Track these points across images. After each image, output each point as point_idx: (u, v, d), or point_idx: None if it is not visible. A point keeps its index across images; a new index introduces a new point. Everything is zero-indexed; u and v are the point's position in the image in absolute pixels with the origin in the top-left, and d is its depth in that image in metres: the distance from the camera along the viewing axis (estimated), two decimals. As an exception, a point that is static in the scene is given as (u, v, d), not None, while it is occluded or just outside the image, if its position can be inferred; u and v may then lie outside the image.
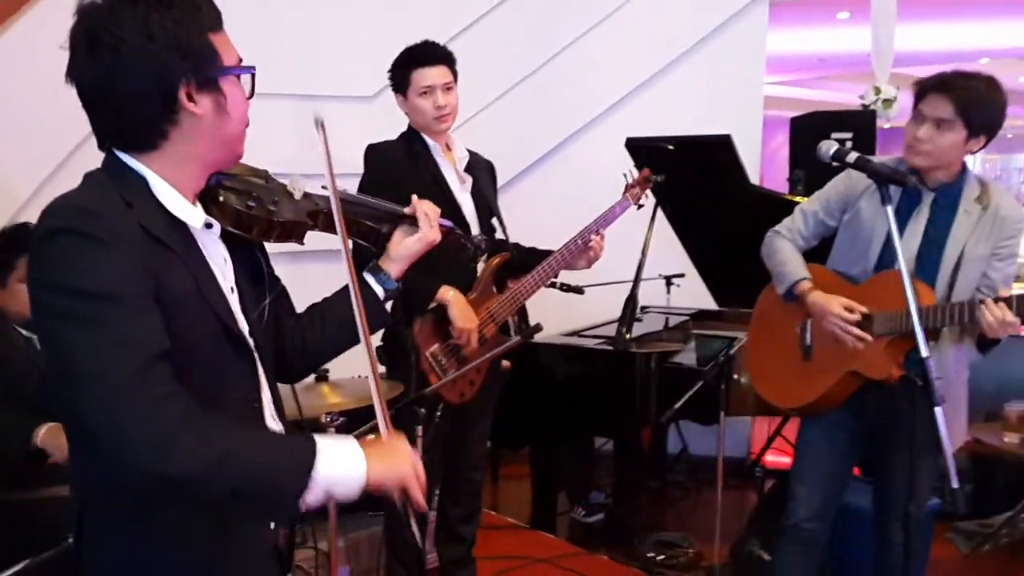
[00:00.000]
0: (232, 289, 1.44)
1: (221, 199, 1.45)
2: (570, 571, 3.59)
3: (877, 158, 2.57)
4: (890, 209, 2.27)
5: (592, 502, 4.33)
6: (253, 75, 1.41)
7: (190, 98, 1.32)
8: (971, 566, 3.78)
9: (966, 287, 2.52)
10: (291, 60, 4.00)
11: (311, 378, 2.66)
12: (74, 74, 1.32)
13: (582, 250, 2.93)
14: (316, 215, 1.57)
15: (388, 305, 1.78)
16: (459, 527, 3.11)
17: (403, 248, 1.72)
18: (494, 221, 3.04)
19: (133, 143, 1.35)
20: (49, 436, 2.42)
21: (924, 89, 2.56)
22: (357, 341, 1.71)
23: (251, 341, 1.45)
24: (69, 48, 1.32)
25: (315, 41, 4.19)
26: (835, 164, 2.48)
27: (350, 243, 1.57)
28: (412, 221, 1.73)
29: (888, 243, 2.51)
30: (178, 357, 1.26)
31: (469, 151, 3.01)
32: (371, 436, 1.45)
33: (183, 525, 1.34)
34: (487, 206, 2.98)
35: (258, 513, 1.39)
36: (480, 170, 3.01)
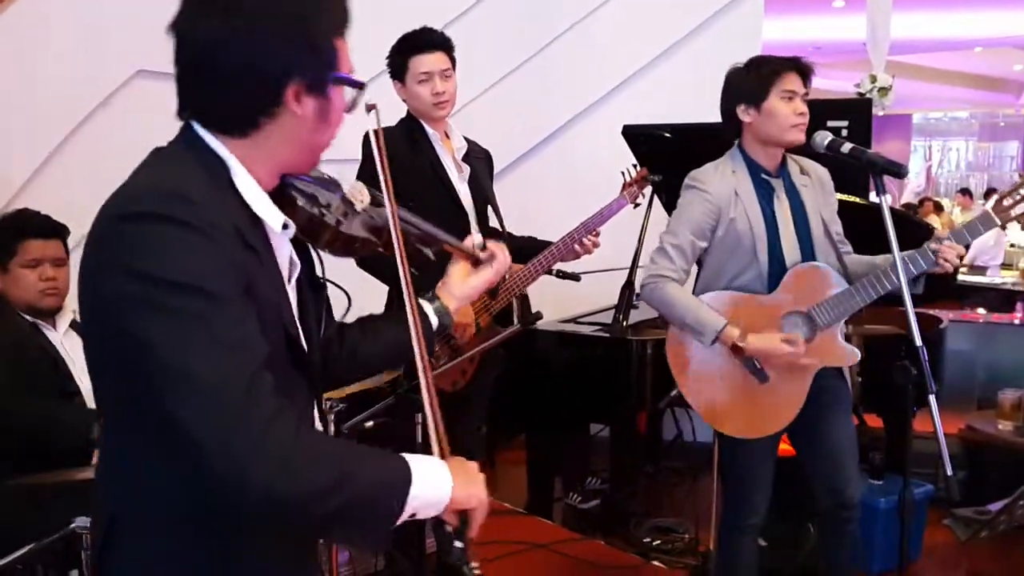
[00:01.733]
0: (295, 300, 1.33)
1: (299, 202, 1.31)
2: (566, 556, 3.61)
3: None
4: (885, 200, 2.32)
5: (588, 488, 4.35)
6: (361, 89, 1.29)
7: (297, 96, 1.21)
8: (964, 551, 3.81)
9: (834, 251, 2.67)
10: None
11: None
12: (181, 28, 1.19)
13: (576, 246, 2.92)
14: (378, 232, 1.44)
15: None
16: (456, 512, 3.13)
17: (468, 287, 1.64)
18: (490, 211, 3.04)
19: (220, 124, 1.21)
20: None
21: (783, 68, 2.56)
22: (403, 364, 1.67)
23: (305, 349, 1.34)
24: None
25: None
26: (829, 154, 2.52)
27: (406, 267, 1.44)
28: (477, 261, 1.64)
29: (773, 243, 2.59)
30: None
31: (467, 140, 3.00)
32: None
33: (228, 542, 1.22)
34: (484, 196, 2.98)
35: (355, 536, 1.25)
36: (477, 159, 3.02)
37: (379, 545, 1.27)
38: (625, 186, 3.17)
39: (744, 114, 2.59)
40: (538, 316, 2.48)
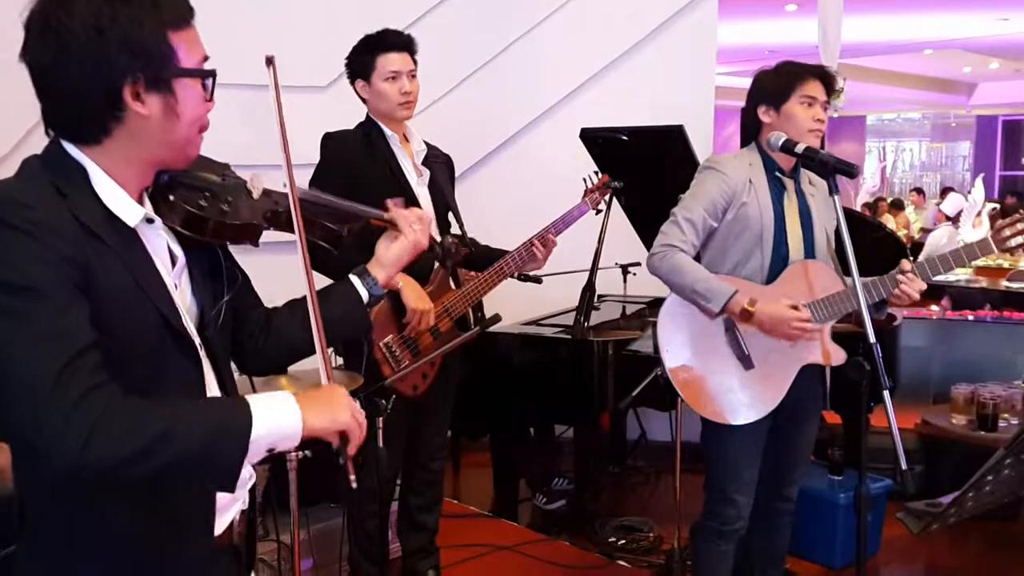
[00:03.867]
0: (175, 285, 1.40)
1: (171, 198, 1.39)
2: (532, 558, 3.62)
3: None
4: (837, 199, 2.39)
5: (554, 489, 4.36)
6: (213, 78, 1.35)
7: (137, 97, 1.28)
8: (923, 544, 3.88)
9: (832, 262, 2.73)
10: (243, 49, 3.95)
11: (271, 370, 2.65)
12: (25, 56, 1.29)
13: (534, 253, 2.93)
14: (274, 216, 1.51)
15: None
16: (421, 516, 3.13)
17: (391, 254, 1.69)
18: (451, 216, 3.04)
19: (76, 135, 1.31)
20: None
21: (806, 74, 2.66)
22: (340, 339, 1.70)
23: (196, 339, 1.41)
24: (24, 28, 1.28)
25: (267, 30, 4.15)
26: (783, 153, 2.60)
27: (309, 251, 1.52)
28: (397, 226, 1.69)
29: (779, 235, 2.65)
30: (114, 351, 1.24)
31: (427, 144, 3.01)
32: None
33: (123, 526, 1.32)
34: (444, 200, 2.98)
35: (202, 482, 1.36)
36: (437, 164, 3.01)
37: (230, 484, 1.29)
38: (586, 192, 3.20)
39: (764, 115, 2.67)
40: (496, 318, 2.49)
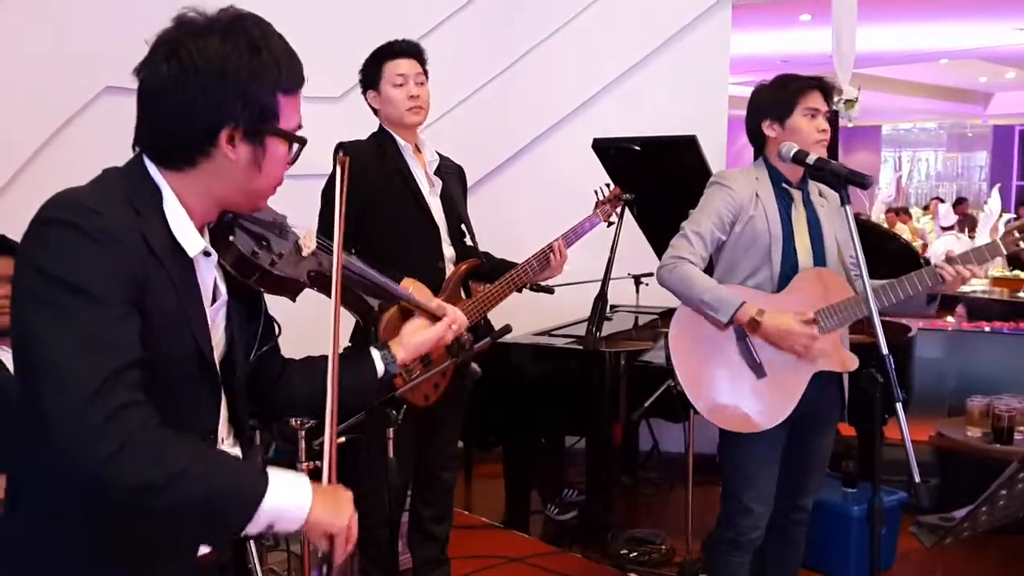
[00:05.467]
0: (212, 320, 1.43)
1: (231, 239, 1.45)
2: (543, 570, 3.60)
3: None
4: (849, 209, 2.39)
5: (565, 500, 4.35)
6: (302, 146, 1.41)
7: (231, 141, 1.34)
8: (938, 557, 3.84)
9: (844, 272, 2.75)
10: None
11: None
12: (142, 72, 1.34)
13: (545, 264, 2.94)
14: (316, 278, 1.57)
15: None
16: (432, 527, 3.12)
17: (417, 339, 1.74)
18: (463, 227, 3.04)
19: (162, 157, 1.36)
20: None
21: (807, 86, 2.68)
22: (348, 407, 1.75)
23: (219, 375, 1.45)
24: (150, 46, 1.34)
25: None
26: (794, 164, 2.63)
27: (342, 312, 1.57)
28: (433, 317, 1.76)
29: (788, 246, 2.67)
30: (154, 374, 1.27)
31: (439, 155, 3.01)
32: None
33: (108, 538, 1.32)
34: (456, 211, 2.98)
35: (196, 534, 1.37)
36: (449, 174, 3.02)
37: (220, 543, 1.35)
38: (598, 204, 3.20)
39: (769, 129, 2.70)
40: (507, 329, 2.49)
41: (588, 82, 5.01)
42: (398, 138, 2.91)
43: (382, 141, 2.92)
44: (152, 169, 1.37)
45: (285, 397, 1.65)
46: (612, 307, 4.37)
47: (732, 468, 2.76)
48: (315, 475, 2.49)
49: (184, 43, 1.31)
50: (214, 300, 1.45)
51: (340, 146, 2.91)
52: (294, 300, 1.56)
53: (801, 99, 2.65)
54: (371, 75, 2.91)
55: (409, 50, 2.91)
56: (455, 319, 1.78)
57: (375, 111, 2.94)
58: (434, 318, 1.77)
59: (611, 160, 4.01)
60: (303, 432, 2.40)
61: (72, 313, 1.20)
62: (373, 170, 2.84)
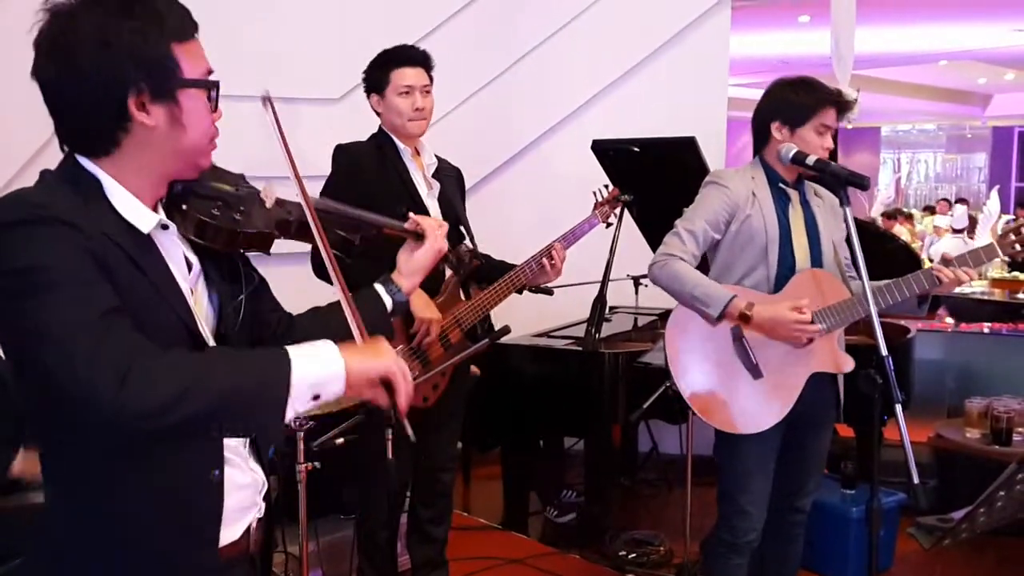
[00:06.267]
0: (191, 291, 1.43)
1: (184, 207, 1.43)
2: (543, 571, 3.60)
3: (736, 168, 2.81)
4: (848, 211, 2.39)
5: (564, 502, 4.35)
6: (216, 89, 1.39)
7: (142, 108, 1.31)
8: (936, 559, 3.84)
9: (839, 274, 2.73)
10: (257, 61, 3.98)
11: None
12: (35, 74, 1.32)
13: (544, 266, 2.93)
14: (285, 225, 1.54)
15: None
16: (430, 528, 3.12)
17: (414, 262, 1.72)
18: (461, 229, 3.04)
19: (87, 148, 1.35)
20: (25, 464, 2.38)
21: (825, 102, 2.67)
22: None
23: (212, 343, 1.43)
24: (33, 47, 1.31)
25: (281, 42, 4.18)
26: (793, 165, 2.63)
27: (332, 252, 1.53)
28: (416, 236, 1.72)
29: (785, 246, 2.66)
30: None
31: (437, 158, 3.01)
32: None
33: (135, 527, 1.34)
34: (454, 213, 2.98)
35: (248, 429, 1.38)
36: (447, 177, 3.02)
37: (273, 435, 1.36)
38: (597, 206, 3.20)
39: (777, 131, 2.68)
40: (505, 330, 2.49)
41: (587, 84, 5.01)
42: (397, 141, 2.91)
43: (381, 143, 2.92)
44: (85, 162, 1.35)
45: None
46: (611, 308, 4.36)
47: (728, 470, 2.76)
48: (313, 475, 2.48)
49: (59, 29, 1.29)
50: (189, 273, 1.44)
51: (339, 147, 2.92)
52: (268, 253, 1.53)
53: (818, 114, 2.64)
54: (376, 80, 2.90)
55: (417, 59, 2.90)
56: (436, 225, 1.74)
57: (378, 113, 2.94)
58: (418, 237, 1.73)
59: (610, 161, 4.02)
60: (301, 433, 2.40)
61: (44, 289, 1.19)
62: (371, 171, 2.84)
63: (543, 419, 3.95)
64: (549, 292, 3.22)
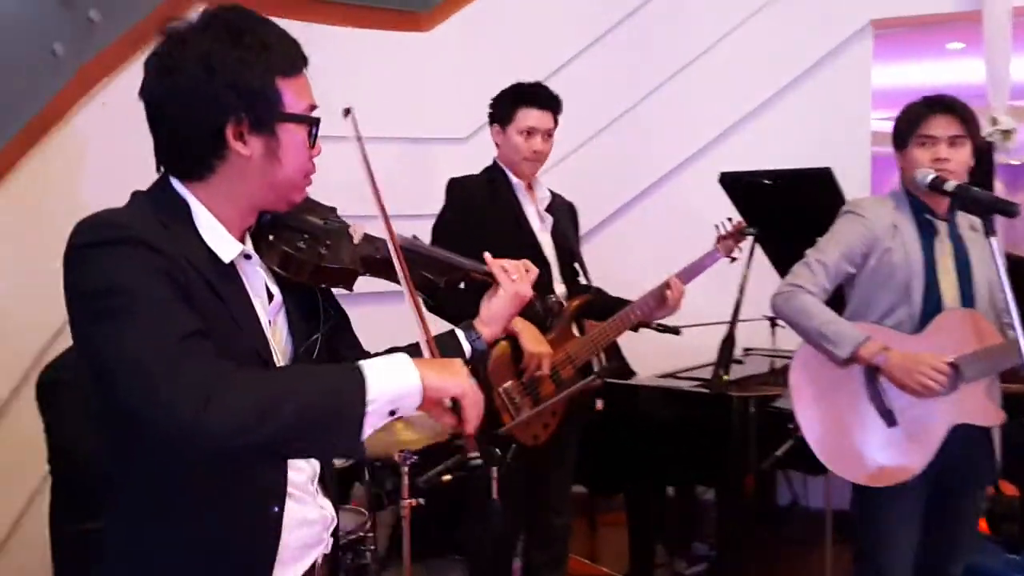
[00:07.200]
0: (271, 323, 1.41)
1: (271, 238, 1.43)
2: (667, 626, 3.42)
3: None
4: (994, 241, 2.16)
5: (694, 554, 4.14)
6: (316, 126, 1.38)
7: (240, 137, 1.32)
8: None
9: (995, 318, 2.48)
10: (392, 104, 4.07)
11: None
12: (141, 92, 1.34)
13: (661, 301, 2.81)
14: (371, 262, 1.53)
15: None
16: (545, 574, 3.01)
17: (493, 310, 1.67)
18: (575, 264, 2.97)
19: (182, 171, 1.36)
20: None
21: (921, 113, 2.47)
22: None
23: None
24: (144, 68, 1.35)
25: (409, 83, 4.25)
26: (933, 192, 2.41)
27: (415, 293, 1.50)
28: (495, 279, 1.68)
29: (930, 283, 2.44)
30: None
31: (551, 192, 2.97)
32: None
33: (192, 555, 1.32)
34: (567, 247, 2.92)
35: (327, 447, 1.34)
36: (561, 211, 2.98)
37: (356, 447, 1.26)
38: (719, 239, 3.05)
39: (898, 159, 2.53)
40: (623, 368, 2.38)
41: (720, 118, 4.85)
42: (510, 175, 2.89)
43: (494, 176, 2.91)
44: (177, 185, 1.36)
45: None
46: (747, 350, 4.19)
47: (866, 526, 2.54)
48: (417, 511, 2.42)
49: (168, 52, 1.31)
50: (270, 303, 1.43)
51: (453, 181, 2.90)
52: (350, 290, 1.51)
53: (917, 127, 2.45)
54: (502, 112, 2.90)
55: (546, 101, 2.88)
56: (512, 268, 1.68)
57: (496, 144, 2.92)
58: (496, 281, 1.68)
59: (739, 195, 3.86)
60: (406, 468, 2.35)
61: (123, 311, 1.19)
62: (484, 206, 2.82)
63: (668, 464, 3.76)
64: (676, 332, 3.10)
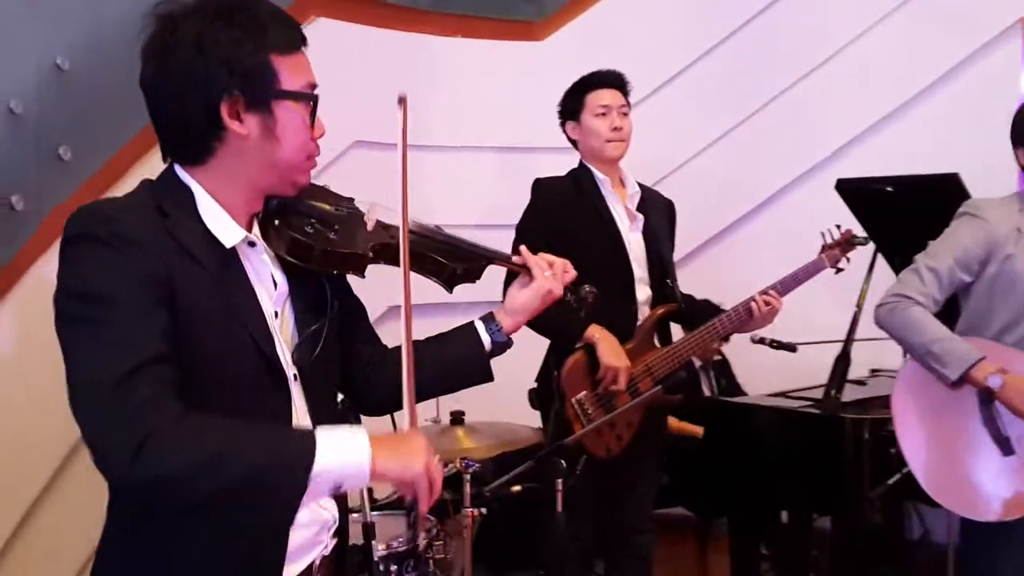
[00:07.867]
0: (276, 313, 1.38)
1: (277, 223, 1.41)
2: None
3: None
4: None
5: (806, 586, 3.90)
6: (314, 103, 1.36)
7: (236, 116, 1.31)
8: None
9: None
10: (494, 113, 4.06)
11: (446, 420, 2.58)
12: (141, 82, 1.35)
13: (749, 313, 2.65)
14: (385, 249, 1.49)
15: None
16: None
17: (519, 301, 1.62)
18: (664, 267, 2.83)
19: (183, 156, 1.35)
20: None
21: None
22: (457, 386, 1.63)
23: (289, 369, 1.38)
24: (140, 55, 1.35)
25: (519, 94, 4.22)
26: None
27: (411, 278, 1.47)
28: (530, 272, 1.62)
29: None
30: (203, 372, 1.25)
31: (643, 187, 2.86)
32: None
33: (196, 565, 1.31)
34: (657, 248, 2.79)
35: (254, 512, 1.31)
36: (655, 209, 2.85)
37: (283, 520, 1.27)
38: (824, 248, 2.87)
39: (1020, 157, 2.37)
40: (683, 380, 2.25)
41: (843, 127, 4.58)
42: (597, 172, 2.80)
43: (579, 175, 2.84)
44: (181, 172, 1.35)
45: (386, 382, 1.54)
46: (873, 371, 3.96)
47: (974, 565, 2.32)
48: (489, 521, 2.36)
49: (160, 36, 1.30)
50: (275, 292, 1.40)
51: (537, 181, 2.84)
52: (362, 276, 1.47)
53: None
54: (572, 105, 2.84)
55: (612, 80, 2.82)
56: (546, 264, 1.62)
57: (574, 143, 2.85)
58: (527, 271, 1.62)
59: (858, 203, 3.63)
60: (468, 476, 2.30)
61: (92, 322, 1.19)
62: (567, 206, 2.75)
63: (777, 489, 3.56)
64: (792, 348, 2.93)
